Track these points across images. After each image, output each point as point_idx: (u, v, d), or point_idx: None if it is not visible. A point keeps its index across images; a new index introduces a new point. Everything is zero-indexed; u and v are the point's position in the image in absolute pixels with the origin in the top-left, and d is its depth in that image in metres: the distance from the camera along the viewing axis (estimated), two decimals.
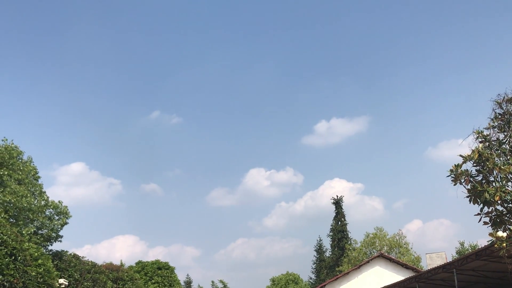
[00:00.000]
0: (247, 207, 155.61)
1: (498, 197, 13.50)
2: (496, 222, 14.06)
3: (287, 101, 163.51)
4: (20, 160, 46.07)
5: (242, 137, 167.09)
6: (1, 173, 42.87)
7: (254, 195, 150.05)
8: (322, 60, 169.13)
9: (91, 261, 52.79)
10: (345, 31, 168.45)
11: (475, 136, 14.82)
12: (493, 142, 14.72)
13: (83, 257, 52.52)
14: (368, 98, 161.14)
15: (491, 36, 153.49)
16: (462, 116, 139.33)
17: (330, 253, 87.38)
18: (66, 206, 47.42)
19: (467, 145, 14.64)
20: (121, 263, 62.35)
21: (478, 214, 14.17)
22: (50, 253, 47.71)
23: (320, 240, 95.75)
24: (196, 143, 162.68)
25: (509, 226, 14.01)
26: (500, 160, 14.25)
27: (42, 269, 32.47)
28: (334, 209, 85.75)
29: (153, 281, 59.13)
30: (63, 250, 50.72)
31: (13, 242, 30.39)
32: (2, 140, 45.57)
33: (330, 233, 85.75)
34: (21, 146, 46.17)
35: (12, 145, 45.50)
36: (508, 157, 14.26)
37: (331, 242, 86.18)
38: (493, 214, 14.02)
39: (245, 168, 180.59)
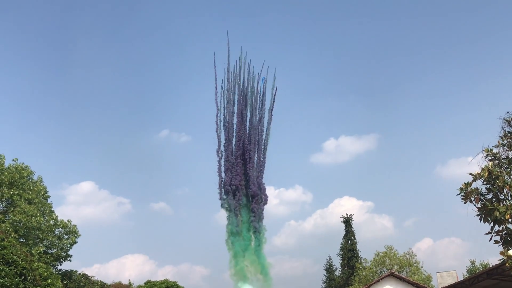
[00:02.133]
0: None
1: (508, 215, 13.42)
2: (507, 240, 13.95)
3: (295, 119, 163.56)
4: (30, 180, 46.43)
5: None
6: (12, 192, 43.21)
7: (264, 214, 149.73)
8: (330, 78, 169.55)
9: (100, 280, 52.81)
10: (353, 49, 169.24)
11: (485, 154, 14.76)
12: (502, 160, 14.66)
13: (92, 276, 52.57)
14: (377, 116, 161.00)
15: (500, 52, 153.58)
16: (471, 133, 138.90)
17: (340, 272, 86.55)
18: (75, 225, 47.65)
19: (477, 163, 14.59)
20: (130, 282, 62.31)
21: (489, 232, 14.07)
22: (60, 272, 47.79)
23: (330, 259, 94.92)
24: (204, 161, 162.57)
25: None
26: (510, 178, 14.18)
27: None
28: (344, 227, 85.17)
29: None
30: (72, 270, 50.86)
31: (23, 262, 30.48)
32: (13, 160, 46.07)
33: (340, 252, 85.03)
34: (31, 165, 46.63)
35: (23, 165, 45.92)
36: None
37: (341, 261, 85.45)
38: (504, 232, 13.92)
39: None
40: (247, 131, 72.01)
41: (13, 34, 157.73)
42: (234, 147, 72.10)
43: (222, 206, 71.38)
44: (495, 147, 14.95)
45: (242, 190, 70.27)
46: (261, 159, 71.86)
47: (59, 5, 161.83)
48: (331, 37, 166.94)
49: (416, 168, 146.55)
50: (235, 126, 72.45)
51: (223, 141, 72.44)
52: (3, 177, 43.19)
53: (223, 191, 70.83)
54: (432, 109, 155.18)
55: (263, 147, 72.27)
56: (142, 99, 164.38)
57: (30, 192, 44.58)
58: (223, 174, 71.30)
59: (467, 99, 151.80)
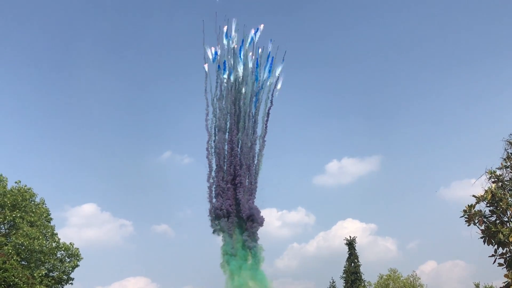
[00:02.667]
0: (264, 250, 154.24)
1: None
2: (511, 263, 13.86)
3: (298, 141, 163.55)
4: (32, 202, 46.30)
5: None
6: (14, 215, 43.09)
7: (266, 236, 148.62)
8: (333, 100, 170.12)
9: None
10: (355, 71, 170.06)
11: (488, 176, 14.75)
12: (506, 182, 14.63)
13: None
14: (379, 137, 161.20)
15: (503, 74, 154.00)
16: (474, 155, 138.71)
17: None
18: (78, 248, 47.35)
19: (480, 185, 14.57)
20: None
21: (493, 255, 14.00)
22: None
23: (333, 282, 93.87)
24: (207, 183, 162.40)
25: None
26: None
27: None
28: (347, 250, 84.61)
29: None
30: None
31: (24, 285, 30.37)
32: (16, 183, 45.96)
33: (344, 275, 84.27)
34: (33, 187, 46.50)
35: (25, 187, 45.85)
36: None
37: (344, 284, 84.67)
38: (508, 255, 13.85)
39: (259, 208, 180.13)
40: (238, 157, 71.69)
41: (16, 53, 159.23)
42: (225, 173, 71.82)
43: (214, 232, 71.24)
44: (498, 169, 14.95)
45: (234, 213, 70.08)
46: (253, 183, 71.50)
47: (62, 27, 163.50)
48: (334, 59, 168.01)
49: (419, 190, 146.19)
50: (226, 152, 72.27)
51: (214, 167, 72.43)
52: (5, 200, 43.09)
53: (214, 216, 70.67)
54: (435, 130, 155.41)
55: (254, 171, 71.95)
56: (145, 121, 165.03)
57: (33, 215, 44.44)
58: (214, 200, 71.19)
59: (470, 121, 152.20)
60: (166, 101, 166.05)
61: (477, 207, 14.42)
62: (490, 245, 13.95)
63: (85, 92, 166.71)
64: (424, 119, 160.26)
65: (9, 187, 45.00)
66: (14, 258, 40.65)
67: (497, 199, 14.02)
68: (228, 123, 73.19)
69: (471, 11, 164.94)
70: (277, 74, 74.37)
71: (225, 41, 73.98)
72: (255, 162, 72.39)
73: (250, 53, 74.21)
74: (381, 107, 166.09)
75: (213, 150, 72.67)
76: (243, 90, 73.55)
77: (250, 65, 74.10)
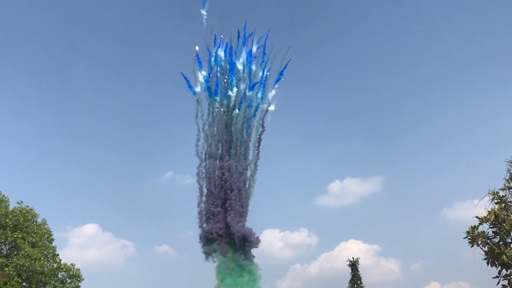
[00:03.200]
0: (260, 269, 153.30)
1: None
2: None
3: (300, 161, 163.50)
4: (34, 223, 46.18)
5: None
6: (16, 236, 42.97)
7: (268, 257, 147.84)
8: (335, 120, 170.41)
9: None
10: (357, 92, 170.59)
11: (491, 197, 14.71)
12: (509, 203, 14.58)
13: None
14: (382, 158, 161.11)
15: (506, 94, 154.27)
16: (477, 176, 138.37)
17: None
18: (79, 269, 47.11)
19: (483, 206, 14.52)
20: None
21: (496, 276, 13.90)
22: None
23: None
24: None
25: None
26: None
27: None
28: (350, 271, 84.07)
29: None
30: None
31: None
32: (18, 203, 45.90)
33: None
34: (35, 207, 46.39)
35: (27, 208, 45.77)
36: None
37: None
38: (511, 277, 13.75)
39: (259, 229, 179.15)
40: (229, 182, 70.87)
41: (18, 75, 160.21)
42: (215, 197, 71.07)
43: (207, 257, 70.53)
44: (501, 190, 14.92)
45: (226, 236, 69.23)
46: (244, 206, 70.71)
47: (63, 50, 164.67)
48: (336, 80, 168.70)
49: (422, 210, 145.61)
50: (217, 177, 71.47)
51: (205, 191, 71.80)
52: (7, 220, 43.00)
53: (205, 241, 69.90)
54: (437, 151, 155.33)
55: (245, 195, 71.14)
56: (147, 141, 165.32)
57: (34, 235, 44.30)
58: (204, 225, 70.47)
59: (472, 141, 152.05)
60: (167, 122, 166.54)
61: (480, 228, 14.38)
62: (494, 266, 13.86)
63: (87, 112, 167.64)
64: (426, 139, 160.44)
65: (11, 207, 44.96)
66: (16, 279, 40.46)
67: (500, 220, 13.97)
68: (219, 149, 72.65)
69: (470, 29, 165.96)
70: (270, 98, 73.71)
71: (218, 61, 73.54)
72: (247, 186, 71.72)
73: (242, 72, 73.86)
74: (383, 127, 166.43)
75: (204, 175, 72.02)
76: (235, 115, 72.98)
77: (243, 86, 73.77)
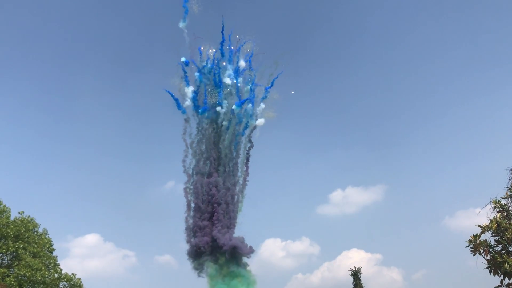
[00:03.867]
0: (262, 279, 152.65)
1: None
2: None
3: (302, 170, 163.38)
4: (35, 233, 46.16)
5: (257, 206, 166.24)
6: (17, 246, 42.93)
7: (270, 267, 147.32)
8: (337, 129, 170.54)
9: None
10: (358, 99, 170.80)
11: (493, 206, 14.67)
12: (511, 212, 14.54)
13: None
14: (384, 166, 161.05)
15: (508, 102, 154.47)
16: (479, 184, 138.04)
17: None
18: (80, 279, 47.04)
19: (485, 214, 14.48)
20: None
21: (499, 286, 13.85)
22: None
23: None
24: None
25: None
26: None
27: None
28: (352, 280, 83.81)
29: None
30: None
31: None
32: (19, 213, 45.90)
33: None
34: (36, 217, 46.40)
35: (29, 218, 45.76)
36: None
37: None
38: None
39: (261, 238, 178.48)
40: (217, 197, 69.82)
41: (21, 84, 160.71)
42: (203, 212, 69.96)
43: (197, 271, 69.64)
44: (503, 198, 14.87)
45: (216, 248, 68.04)
46: (232, 219, 69.68)
47: (65, 60, 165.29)
48: (337, 88, 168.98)
49: (424, 219, 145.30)
50: (204, 193, 70.26)
51: (192, 206, 70.82)
52: (8, 230, 42.99)
53: (194, 256, 68.97)
54: (439, 159, 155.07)
55: (233, 209, 70.15)
56: (148, 151, 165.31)
57: (35, 245, 44.26)
58: (192, 239, 69.46)
59: (474, 150, 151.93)
60: (168, 131, 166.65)
61: (483, 237, 14.32)
62: (496, 275, 13.80)
63: (88, 122, 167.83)
64: (428, 148, 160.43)
65: (12, 217, 44.95)
66: None
67: (502, 228, 13.93)
68: (208, 166, 71.74)
69: (471, 39, 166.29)
70: (258, 113, 72.84)
71: (205, 77, 72.81)
72: (235, 200, 70.74)
73: (230, 88, 72.94)
74: (385, 136, 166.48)
75: (191, 191, 71.12)
76: (224, 132, 72.18)
77: (231, 102, 72.94)
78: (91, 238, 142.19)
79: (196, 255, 69.05)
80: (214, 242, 68.28)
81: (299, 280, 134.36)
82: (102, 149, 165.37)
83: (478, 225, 14.25)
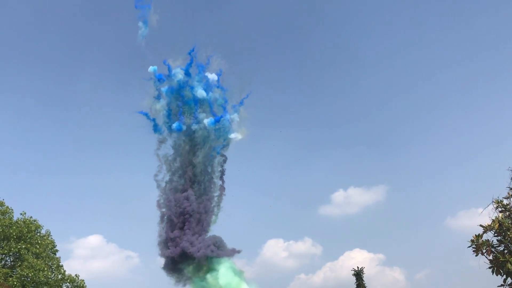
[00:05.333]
0: (265, 279, 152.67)
1: None
2: None
3: (304, 171, 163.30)
4: (38, 234, 46.25)
5: (259, 207, 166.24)
6: (20, 247, 43.02)
7: (272, 267, 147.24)
8: (338, 129, 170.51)
9: None
10: (360, 98, 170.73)
11: (495, 206, 14.67)
12: None
13: None
14: (385, 167, 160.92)
15: (509, 102, 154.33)
16: (481, 184, 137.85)
17: None
18: (83, 280, 47.13)
19: (487, 214, 14.48)
20: None
21: (502, 285, 13.85)
22: None
23: None
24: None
25: None
26: None
27: None
28: (355, 280, 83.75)
29: None
30: None
31: None
32: (21, 214, 45.98)
33: None
34: (39, 218, 46.50)
35: (31, 219, 45.85)
36: None
37: None
38: None
39: (263, 238, 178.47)
40: (188, 209, 68.60)
41: (22, 89, 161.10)
42: (174, 224, 68.79)
43: (177, 281, 68.64)
44: (505, 198, 14.87)
45: (191, 256, 66.72)
46: (204, 227, 68.34)
47: (67, 69, 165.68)
48: (338, 88, 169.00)
49: (426, 219, 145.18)
50: (177, 206, 69.07)
51: (165, 219, 69.63)
52: (11, 231, 43.09)
53: (170, 268, 67.92)
54: (441, 160, 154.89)
55: (205, 218, 68.95)
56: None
57: (38, 246, 44.35)
58: (166, 252, 68.24)
59: (476, 150, 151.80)
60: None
61: (485, 237, 14.32)
62: (499, 275, 13.81)
63: (90, 124, 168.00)
64: (430, 148, 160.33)
65: (14, 218, 45.05)
66: None
67: (504, 228, 13.93)
68: (182, 182, 70.63)
69: (473, 40, 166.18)
70: (233, 127, 71.34)
71: (175, 94, 71.28)
72: (209, 211, 69.40)
73: (202, 105, 71.57)
74: (386, 136, 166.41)
75: (163, 205, 69.97)
76: (199, 148, 71.20)
77: (205, 118, 71.18)
78: (94, 239, 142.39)
79: (173, 265, 67.90)
80: (186, 251, 66.73)
81: (301, 281, 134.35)
82: (105, 150, 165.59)
83: (480, 225, 14.26)
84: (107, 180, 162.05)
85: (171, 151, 71.42)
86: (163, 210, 69.93)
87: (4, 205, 45.33)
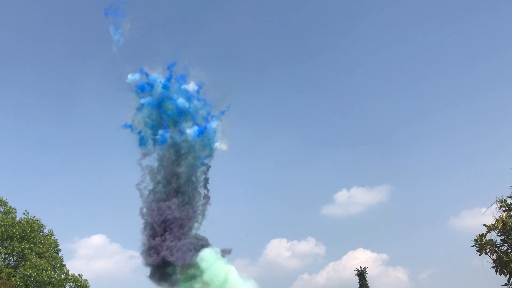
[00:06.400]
0: (268, 279, 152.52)
1: None
2: None
3: (307, 170, 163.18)
4: (41, 233, 46.31)
5: (262, 207, 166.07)
6: (23, 246, 43.08)
7: (276, 267, 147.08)
8: (341, 128, 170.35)
9: None
10: (363, 98, 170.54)
11: (499, 205, 14.61)
12: None
13: None
14: (389, 166, 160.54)
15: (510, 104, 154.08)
16: (484, 184, 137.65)
17: None
18: (86, 280, 47.18)
19: (491, 214, 14.43)
20: None
21: (506, 284, 13.80)
22: None
23: None
24: (216, 213, 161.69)
25: None
26: None
27: None
28: (358, 280, 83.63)
29: None
30: None
31: None
32: (24, 214, 46.06)
33: None
34: (42, 218, 46.58)
35: (34, 218, 45.92)
36: None
37: None
38: None
39: (266, 238, 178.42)
40: (170, 217, 67.87)
41: (25, 88, 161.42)
42: (156, 232, 68.09)
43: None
44: (508, 197, 14.81)
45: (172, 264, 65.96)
46: (185, 231, 67.55)
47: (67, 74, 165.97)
48: (342, 86, 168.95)
49: (429, 219, 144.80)
50: (159, 216, 68.43)
51: (148, 229, 68.98)
52: (14, 231, 43.15)
53: (157, 277, 67.28)
54: (444, 159, 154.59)
55: (188, 223, 68.32)
56: None
57: (41, 246, 44.41)
58: (150, 260, 67.51)
59: (479, 149, 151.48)
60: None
61: (488, 236, 14.27)
62: (502, 274, 13.76)
63: (92, 123, 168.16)
64: (433, 147, 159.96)
65: (17, 218, 45.13)
66: None
67: (508, 228, 13.87)
68: (166, 191, 69.98)
69: (479, 38, 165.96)
70: (217, 137, 71.22)
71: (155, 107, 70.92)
72: (191, 219, 68.80)
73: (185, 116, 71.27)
74: (389, 136, 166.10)
75: (146, 212, 69.39)
76: (183, 158, 70.63)
77: (188, 129, 71.06)
78: (97, 239, 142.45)
79: (160, 275, 67.32)
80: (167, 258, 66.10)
81: (304, 280, 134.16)
82: (107, 150, 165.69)
83: (484, 225, 14.21)
84: (111, 180, 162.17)
85: (156, 163, 70.95)
86: (146, 218, 69.46)
87: (7, 205, 45.42)
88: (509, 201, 14.71)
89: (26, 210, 46.06)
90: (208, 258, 64.35)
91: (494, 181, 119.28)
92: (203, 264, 63.71)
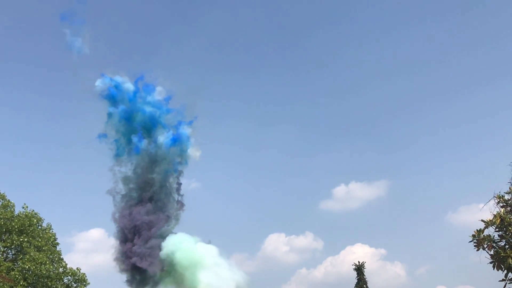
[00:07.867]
0: (266, 273, 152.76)
1: None
2: None
3: (305, 165, 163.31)
4: (39, 227, 46.37)
5: (260, 201, 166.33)
6: (21, 240, 43.16)
7: (274, 261, 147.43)
8: (340, 123, 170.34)
9: None
10: (361, 93, 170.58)
11: (496, 201, 14.66)
12: None
13: None
14: (387, 161, 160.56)
15: (510, 97, 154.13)
16: (482, 180, 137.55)
17: None
18: (84, 274, 47.33)
19: (489, 210, 14.48)
20: None
21: (503, 280, 13.85)
22: None
23: None
24: (214, 208, 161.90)
25: None
26: None
27: None
28: (356, 275, 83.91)
29: None
30: None
31: None
32: (23, 207, 46.08)
33: None
34: (40, 211, 46.61)
35: (32, 212, 45.96)
36: None
37: None
38: None
39: (265, 233, 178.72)
40: (140, 222, 67.22)
41: (23, 89, 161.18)
42: (127, 237, 67.53)
43: None
44: (506, 193, 14.86)
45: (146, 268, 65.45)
46: (154, 236, 67.00)
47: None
48: (338, 82, 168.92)
49: (427, 214, 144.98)
50: (128, 217, 67.78)
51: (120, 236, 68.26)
52: (13, 224, 43.21)
53: (133, 280, 66.76)
54: (442, 155, 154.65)
55: (158, 226, 67.64)
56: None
57: (40, 239, 44.48)
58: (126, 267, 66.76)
59: (477, 145, 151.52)
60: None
61: (486, 232, 14.33)
62: (500, 270, 13.83)
63: (91, 117, 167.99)
64: (431, 143, 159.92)
65: (16, 212, 45.18)
66: (21, 283, 40.65)
67: (506, 223, 13.93)
68: (139, 198, 69.23)
69: (477, 34, 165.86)
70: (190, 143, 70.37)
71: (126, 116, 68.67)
72: (162, 223, 68.14)
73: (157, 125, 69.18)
74: (388, 131, 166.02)
75: (118, 218, 68.71)
76: (155, 166, 69.98)
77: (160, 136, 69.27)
78: (96, 233, 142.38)
79: (139, 278, 66.93)
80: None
81: (302, 275, 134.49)
82: (105, 144, 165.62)
83: (482, 220, 14.25)
84: (108, 173, 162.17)
85: (129, 171, 70.40)
86: (117, 225, 69.02)
87: (6, 199, 45.46)
88: (506, 197, 14.76)
89: (24, 204, 46.12)
90: (174, 242, 63.85)
91: (492, 177, 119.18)
92: (169, 249, 63.06)
